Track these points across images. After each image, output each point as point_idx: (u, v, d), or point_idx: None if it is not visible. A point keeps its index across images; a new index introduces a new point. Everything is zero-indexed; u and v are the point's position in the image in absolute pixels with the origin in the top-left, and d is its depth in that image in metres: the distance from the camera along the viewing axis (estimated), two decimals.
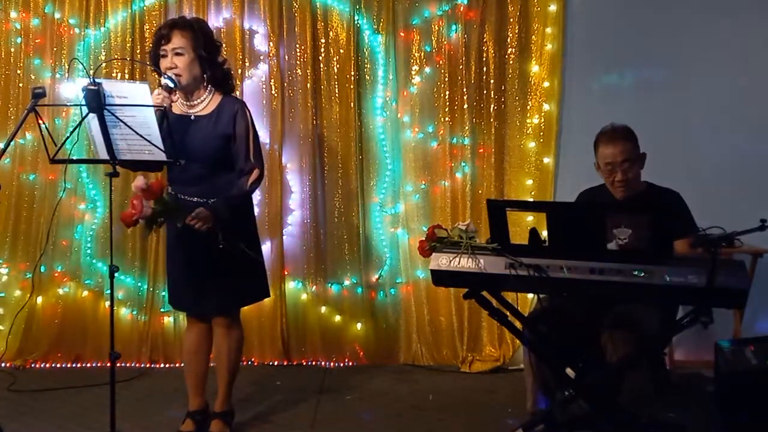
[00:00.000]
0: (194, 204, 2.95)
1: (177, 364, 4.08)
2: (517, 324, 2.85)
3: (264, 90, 4.22)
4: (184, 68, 2.94)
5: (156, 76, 3.18)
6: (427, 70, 4.20)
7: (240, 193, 3.01)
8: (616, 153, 2.98)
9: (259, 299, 3.32)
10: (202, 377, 3.19)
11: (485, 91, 4.16)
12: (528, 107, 4.15)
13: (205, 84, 3.04)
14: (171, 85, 2.89)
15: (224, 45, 3.31)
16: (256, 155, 3.05)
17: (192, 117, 3.02)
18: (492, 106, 4.15)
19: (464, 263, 2.63)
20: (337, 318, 4.27)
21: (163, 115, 2.71)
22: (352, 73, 4.17)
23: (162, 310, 4.19)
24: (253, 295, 3.24)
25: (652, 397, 2.87)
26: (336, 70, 4.20)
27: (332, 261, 4.27)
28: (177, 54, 2.94)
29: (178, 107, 3.02)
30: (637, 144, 3.03)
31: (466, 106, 4.15)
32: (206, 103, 3.04)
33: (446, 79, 4.16)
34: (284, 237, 4.23)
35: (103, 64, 4.13)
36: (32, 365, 4.14)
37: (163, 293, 4.07)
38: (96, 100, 2.50)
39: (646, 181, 3.10)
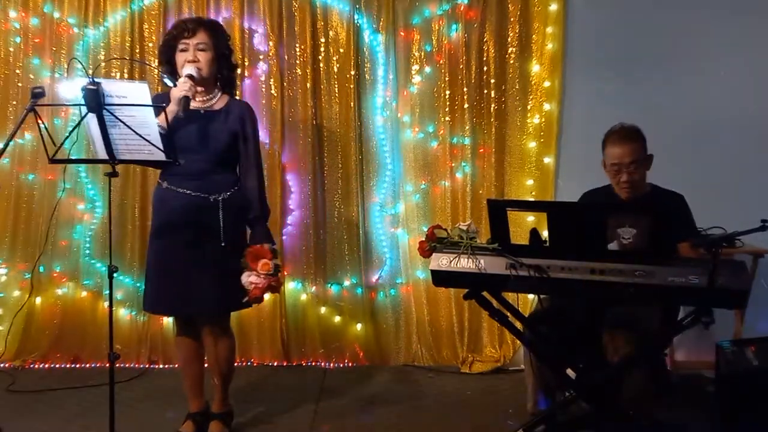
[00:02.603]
0: (193, 198, 2.96)
1: (176, 365, 4.07)
2: (518, 324, 2.84)
3: (264, 90, 4.21)
4: (206, 63, 2.99)
5: (154, 72, 3.20)
6: (428, 69, 4.19)
7: (265, 204, 3.11)
8: (623, 154, 2.97)
9: (243, 307, 3.17)
10: (199, 381, 3.18)
11: (485, 91, 4.15)
12: (528, 107, 4.14)
13: (218, 83, 3.09)
14: (195, 75, 2.92)
15: None
16: (259, 157, 3.11)
17: (202, 111, 3.03)
18: (492, 105, 4.14)
19: (464, 264, 2.63)
20: (337, 318, 4.26)
21: (188, 102, 2.83)
22: (352, 72, 4.16)
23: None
24: (239, 303, 3.11)
25: (652, 398, 2.86)
26: (336, 70, 4.19)
27: (332, 261, 4.26)
28: (200, 49, 2.99)
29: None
30: (645, 145, 3.03)
31: (466, 105, 4.14)
32: (216, 100, 3.08)
33: (446, 78, 4.15)
34: (284, 237, 4.22)
35: (103, 64, 4.12)
36: (31, 365, 4.13)
37: None
38: (95, 100, 2.49)
39: (651, 183, 3.09)
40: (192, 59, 2.96)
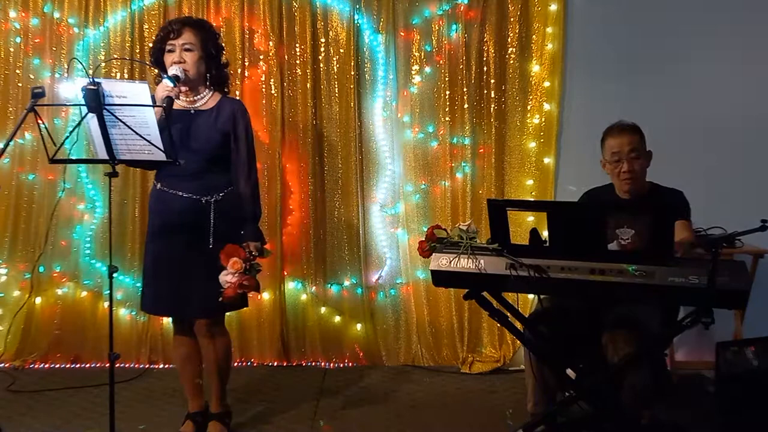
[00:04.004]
0: (185, 200, 2.96)
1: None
2: (518, 325, 2.84)
3: (264, 90, 4.21)
4: (192, 64, 2.98)
5: (154, 72, 3.18)
6: (428, 69, 4.19)
7: (257, 203, 3.08)
8: (623, 143, 2.98)
9: (239, 308, 3.20)
10: (197, 381, 3.18)
11: (485, 91, 4.15)
12: (528, 107, 4.15)
13: (207, 82, 3.07)
14: (180, 75, 2.91)
15: (224, 44, 3.32)
16: (252, 156, 3.09)
17: (192, 111, 3.03)
18: (492, 105, 4.14)
19: (464, 264, 2.63)
20: (337, 318, 4.26)
21: (171, 103, 2.80)
22: (352, 72, 4.16)
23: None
24: (233, 303, 3.10)
25: (652, 398, 2.86)
26: (336, 70, 4.19)
27: (332, 261, 4.26)
28: (186, 49, 2.98)
29: (178, 103, 3.01)
30: (644, 140, 3.03)
31: (466, 105, 4.15)
32: (206, 99, 3.07)
33: (446, 78, 4.15)
34: (284, 237, 4.22)
35: (103, 64, 4.12)
36: (31, 366, 4.12)
37: None
38: (95, 100, 2.49)
39: (651, 182, 3.09)
40: (178, 60, 2.96)
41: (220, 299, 2.79)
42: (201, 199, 2.97)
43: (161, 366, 4.17)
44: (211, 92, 3.08)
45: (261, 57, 4.21)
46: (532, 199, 4.11)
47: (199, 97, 3.06)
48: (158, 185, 3.04)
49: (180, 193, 2.98)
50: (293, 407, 3.57)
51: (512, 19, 4.10)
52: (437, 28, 4.17)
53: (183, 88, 2.98)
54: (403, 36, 4.19)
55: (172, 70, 2.92)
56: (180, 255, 2.95)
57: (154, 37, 4.06)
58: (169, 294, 2.99)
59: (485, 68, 4.14)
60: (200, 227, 2.94)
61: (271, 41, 4.17)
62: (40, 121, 2.55)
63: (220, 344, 3.12)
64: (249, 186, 3.05)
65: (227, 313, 3.24)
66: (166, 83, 2.86)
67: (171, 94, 2.83)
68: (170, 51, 2.98)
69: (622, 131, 3.01)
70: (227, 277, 2.78)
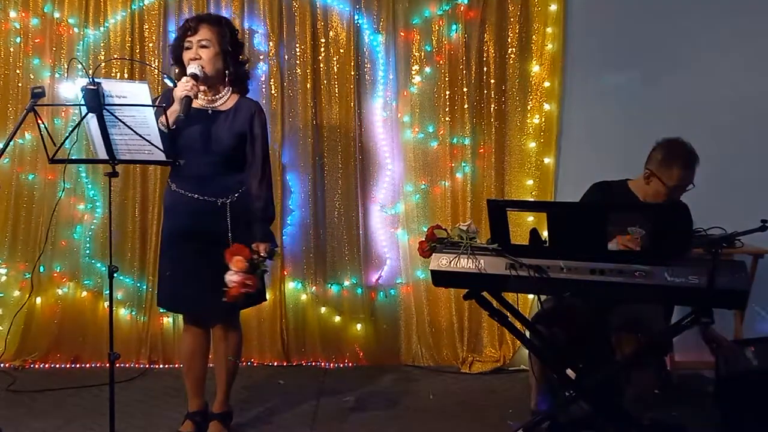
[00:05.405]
0: (200, 202, 2.95)
1: (176, 365, 4.07)
2: (518, 324, 2.85)
3: (264, 90, 4.21)
4: (208, 61, 2.95)
5: (154, 72, 3.15)
6: (428, 69, 4.19)
7: (269, 205, 3.05)
8: (689, 176, 3.04)
9: (257, 303, 3.21)
10: (200, 379, 3.18)
11: (485, 91, 4.15)
12: (528, 107, 4.14)
13: (225, 81, 3.04)
14: (198, 74, 2.89)
15: None
16: (266, 157, 3.07)
17: (210, 111, 3.01)
18: (492, 106, 4.14)
19: (464, 264, 2.63)
20: (337, 318, 4.26)
21: (189, 102, 2.78)
22: (352, 72, 4.16)
23: (161, 310, 4.17)
24: (251, 299, 3.11)
25: (652, 398, 2.87)
26: (336, 70, 4.19)
27: (332, 261, 4.26)
28: (202, 46, 2.95)
29: (197, 101, 2.97)
30: None
31: (466, 106, 4.14)
32: (225, 99, 3.04)
33: (446, 79, 4.15)
34: (284, 237, 4.22)
35: (103, 64, 4.12)
36: (31, 366, 4.12)
37: None
38: (95, 100, 2.48)
39: None
40: (194, 57, 2.94)
41: (224, 299, 2.77)
42: (217, 201, 2.96)
43: (161, 366, 4.17)
44: (230, 92, 3.05)
45: (261, 57, 4.20)
46: (532, 200, 4.11)
47: (218, 96, 3.03)
48: (173, 186, 3.03)
49: (195, 196, 2.97)
50: (293, 407, 3.57)
51: (512, 19, 4.10)
52: (437, 28, 4.17)
53: (202, 87, 2.95)
54: (403, 36, 4.19)
55: (191, 69, 2.89)
56: (197, 257, 2.95)
57: (156, 37, 4.13)
58: (188, 294, 3.00)
59: (485, 68, 4.14)
60: (217, 229, 2.93)
61: (271, 41, 4.17)
62: (40, 121, 2.54)
63: (232, 340, 3.13)
64: (263, 187, 3.03)
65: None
66: (182, 83, 2.83)
67: (189, 94, 2.81)
68: (188, 48, 2.97)
69: (690, 165, 3.03)
70: (232, 277, 2.77)
